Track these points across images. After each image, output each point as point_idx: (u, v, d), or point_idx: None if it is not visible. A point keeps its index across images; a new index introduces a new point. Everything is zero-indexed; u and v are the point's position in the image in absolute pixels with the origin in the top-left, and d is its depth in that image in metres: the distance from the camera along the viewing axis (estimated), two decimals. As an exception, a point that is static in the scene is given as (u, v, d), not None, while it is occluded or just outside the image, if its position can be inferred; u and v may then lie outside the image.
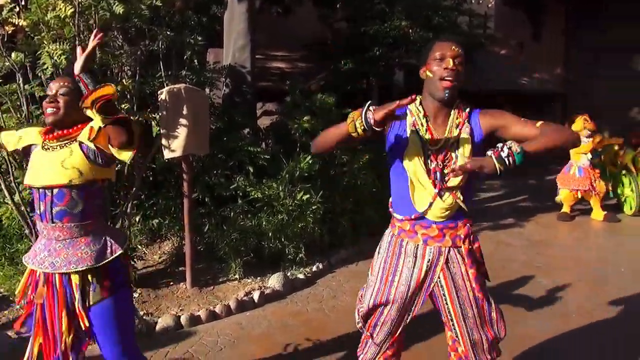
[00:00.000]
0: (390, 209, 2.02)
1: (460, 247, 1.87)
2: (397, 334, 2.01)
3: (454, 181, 1.81)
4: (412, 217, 1.88)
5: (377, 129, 1.67)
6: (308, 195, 4.73)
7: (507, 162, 1.62)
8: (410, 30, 7.95)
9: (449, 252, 1.88)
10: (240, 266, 4.21)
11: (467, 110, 1.89)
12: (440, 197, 1.83)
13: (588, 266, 4.85)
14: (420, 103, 1.90)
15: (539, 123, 1.80)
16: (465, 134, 1.83)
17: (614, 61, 12.86)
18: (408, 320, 1.99)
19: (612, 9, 12.66)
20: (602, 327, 3.46)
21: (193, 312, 3.56)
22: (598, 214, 6.71)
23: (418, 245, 1.90)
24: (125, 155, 1.92)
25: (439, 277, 1.90)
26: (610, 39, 12.95)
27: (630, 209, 7.01)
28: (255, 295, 3.86)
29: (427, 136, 1.85)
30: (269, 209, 4.61)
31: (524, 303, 3.89)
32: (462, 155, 1.81)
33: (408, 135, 1.86)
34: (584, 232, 6.25)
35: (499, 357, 2.04)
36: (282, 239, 4.48)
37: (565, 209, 6.78)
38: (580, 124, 6.46)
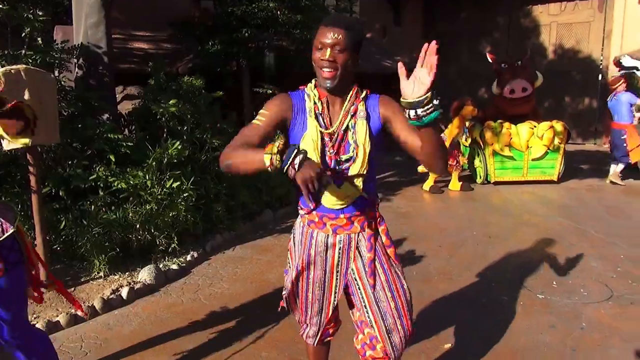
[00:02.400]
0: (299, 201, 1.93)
1: (366, 231, 1.85)
2: (330, 314, 1.99)
3: (353, 169, 1.75)
4: (311, 207, 1.83)
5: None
6: (178, 183, 4.54)
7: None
8: (279, 12, 7.94)
9: (358, 237, 1.85)
10: (105, 263, 3.92)
11: (363, 95, 1.80)
12: (338, 185, 1.76)
13: (448, 233, 5.34)
14: (316, 86, 1.81)
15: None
16: (361, 121, 1.75)
17: (465, 45, 14.21)
18: (336, 301, 1.95)
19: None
20: (459, 285, 3.85)
21: (50, 318, 3.24)
22: (455, 184, 7.43)
23: (328, 235, 1.85)
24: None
25: (352, 262, 1.87)
26: (463, 25, 14.27)
27: (480, 178, 7.91)
28: (124, 292, 3.62)
29: (323, 122, 1.76)
30: (135, 199, 4.34)
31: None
32: (358, 143, 1.74)
33: (307, 120, 1.76)
34: (444, 203, 6.87)
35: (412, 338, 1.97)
36: (152, 230, 4.26)
37: (431, 181, 7.37)
38: (470, 109, 7.13)
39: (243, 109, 8.61)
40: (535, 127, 7.61)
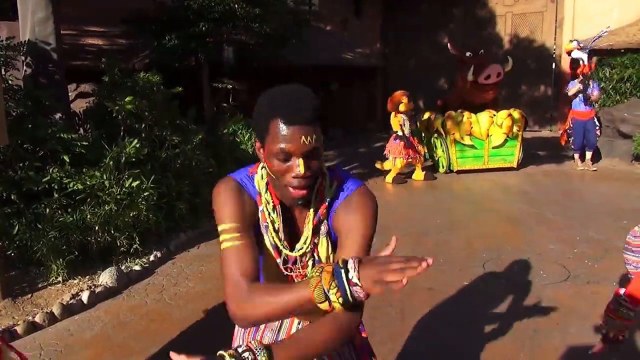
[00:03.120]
0: None
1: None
2: None
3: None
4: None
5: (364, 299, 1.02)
6: (138, 182, 4.43)
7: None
8: (237, 6, 7.83)
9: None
10: (64, 267, 3.78)
11: (329, 199, 1.25)
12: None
13: (412, 222, 5.42)
14: (267, 184, 1.26)
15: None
16: (323, 238, 1.27)
17: (424, 38, 14.42)
18: None
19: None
20: (424, 274, 3.89)
21: (7, 327, 3.11)
22: (419, 175, 7.55)
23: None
24: None
25: None
26: (421, 17, 14.46)
27: (442, 167, 8.07)
28: (84, 296, 3.52)
29: (281, 235, 1.27)
30: (93, 200, 4.20)
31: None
32: (323, 261, 1.28)
33: (262, 230, 1.27)
34: (408, 193, 6.97)
35: None
36: (112, 231, 4.14)
37: (393, 173, 7.44)
38: (404, 106, 7.13)
39: (203, 105, 8.47)
40: (494, 115, 7.81)
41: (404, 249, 4.46)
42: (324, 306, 1.00)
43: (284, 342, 1.06)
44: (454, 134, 7.73)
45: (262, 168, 1.28)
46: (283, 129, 1.12)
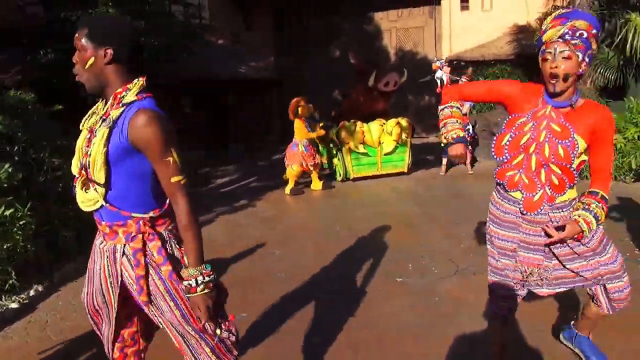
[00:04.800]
0: None
1: (130, 245, 1.71)
2: (115, 329, 1.85)
3: (96, 175, 1.64)
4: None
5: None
6: (12, 210, 4.01)
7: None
8: (120, 18, 7.47)
9: (123, 249, 1.72)
10: None
11: (126, 102, 1.64)
12: (84, 189, 1.70)
13: (312, 232, 5.50)
14: None
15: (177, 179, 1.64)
16: (103, 128, 1.63)
17: (316, 51, 14.81)
18: (114, 315, 1.81)
19: (313, 5, 14.47)
20: (326, 282, 3.97)
21: None
22: (317, 184, 7.69)
23: (102, 242, 1.78)
24: None
25: (122, 274, 1.74)
26: (310, 33, 14.85)
27: (340, 175, 8.32)
28: (-50, 344, 3.10)
29: (92, 120, 1.73)
30: (-44, 233, 3.74)
31: (260, 274, 4.16)
32: (93, 149, 1.63)
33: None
34: (307, 203, 7.07)
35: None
36: (-18, 267, 3.70)
37: (292, 184, 7.51)
38: (303, 109, 7.27)
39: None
40: (384, 124, 8.23)
41: (305, 259, 4.50)
42: None
43: (189, 257, 1.68)
44: (348, 143, 8.02)
45: None
46: None
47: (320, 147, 8.77)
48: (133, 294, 1.75)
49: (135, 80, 1.67)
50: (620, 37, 8.88)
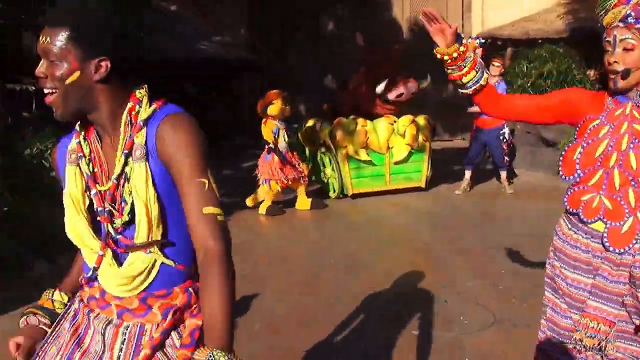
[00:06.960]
0: None
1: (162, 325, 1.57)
2: None
3: (140, 236, 1.51)
4: (87, 277, 1.63)
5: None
6: None
7: None
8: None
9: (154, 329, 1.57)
10: None
11: (145, 117, 1.52)
12: (117, 261, 1.55)
13: (298, 265, 5.49)
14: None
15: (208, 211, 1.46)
16: (138, 164, 1.49)
17: (305, 26, 14.84)
18: None
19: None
20: (317, 334, 3.95)
21: None
22: (304, 202, 7.67)
23: (112, 320, 1.58)
24: None
25: None
26: (300, 1, 14.90)
27: (334, 191, 8.26)
28: None
29: (91, 169, 1.56)
30: None
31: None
32: (138, 199, 1.48)
33: (65, 167, 1.59)
34: (290, 226, 7.07)
35: None
36: None
37: (268, 202, 7.48)
38: (275, 108, 7.22)
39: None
40: (395, 122, 8.20)
41: (288, 303, 4.48)
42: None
43: (212, 331, 1.47)
44: (346, 147, 7.96)
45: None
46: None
47: (307, 151, 8.72)
48: None
49: (138, 90, 1.57)
50: None
